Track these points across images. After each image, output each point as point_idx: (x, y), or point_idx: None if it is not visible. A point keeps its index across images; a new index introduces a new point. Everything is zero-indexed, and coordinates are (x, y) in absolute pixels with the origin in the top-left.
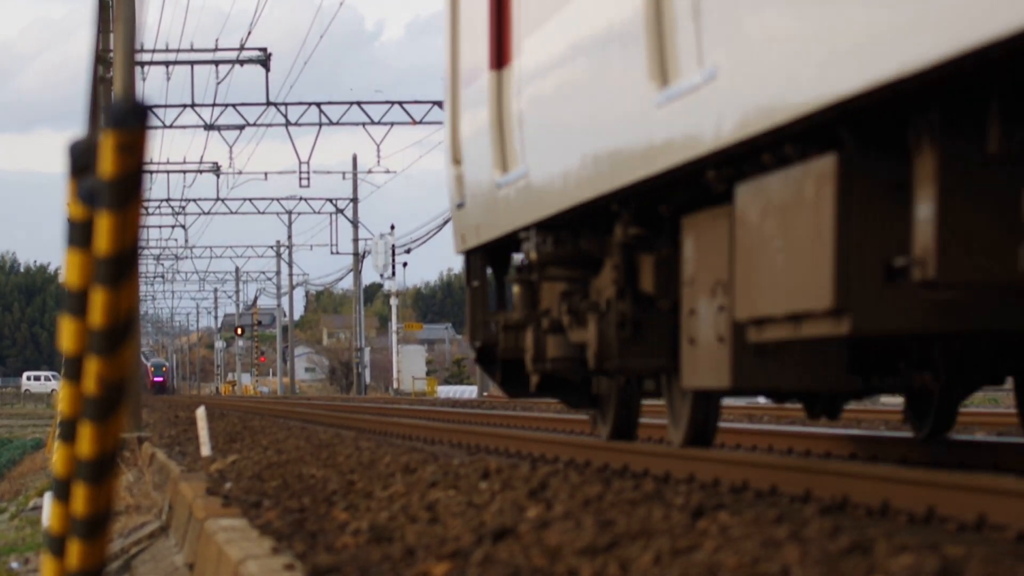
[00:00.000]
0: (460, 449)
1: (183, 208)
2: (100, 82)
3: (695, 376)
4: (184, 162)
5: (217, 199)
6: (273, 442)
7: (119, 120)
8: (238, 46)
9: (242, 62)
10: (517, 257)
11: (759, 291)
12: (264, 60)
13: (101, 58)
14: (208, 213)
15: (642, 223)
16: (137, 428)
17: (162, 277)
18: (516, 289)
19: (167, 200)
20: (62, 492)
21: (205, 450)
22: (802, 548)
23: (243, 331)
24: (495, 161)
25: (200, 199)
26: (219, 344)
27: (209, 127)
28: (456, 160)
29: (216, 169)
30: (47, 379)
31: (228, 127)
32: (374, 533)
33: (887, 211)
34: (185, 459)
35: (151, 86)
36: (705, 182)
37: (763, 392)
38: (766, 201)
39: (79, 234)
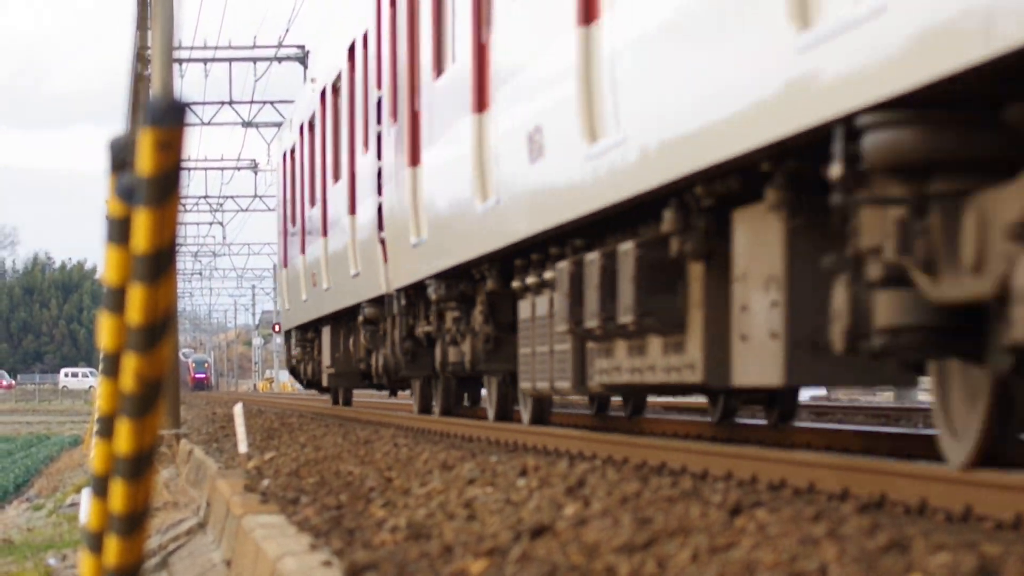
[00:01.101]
0: (498, 446)
1: (221, 205)
2: (139, 79)
3: (745, 374)
4: (222, 159)
5: (255, 196)
6: (311, 439)
7: (157, 117)
8: (276, 43)
9: (280, 59)
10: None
11: None
12: (302, 57)
13: (140, 55)
14: (246, 210)
15: (497, 280)
16: (175, 425)
17: (200, 274)
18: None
19: (205, 197)
20: (100, 489)
21: (243, 447)
22: (840, 546)
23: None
24: (412, 230)
25: (238, 196)
26: (257, 341)
27: (247, 124)
28: (381, 229)
29: (254, 166)
30: (84, 376)
31: (266, 124)
32: (412, 530)
33: None
34: (223, 456)
35: (189, 83)
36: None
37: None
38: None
39: (118, 231)
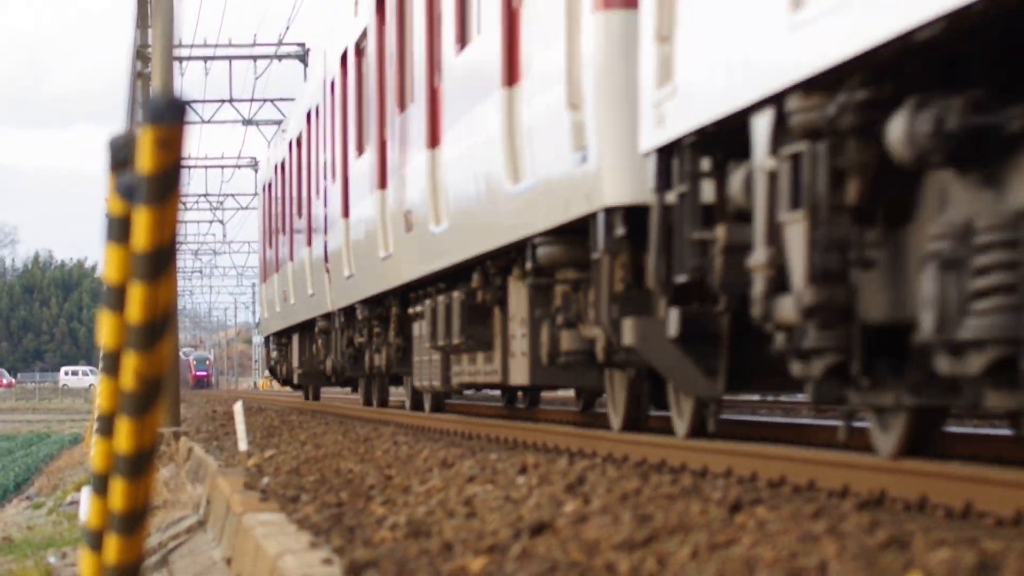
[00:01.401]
0: (498, 444)
1: (221, 203)
2: (139, 77)
3: (515, 378)
4: (222, 157)
5: (255, 194)
6: (311, 437)
7: (157, 115)
8: (276, 41)
9: (280, 57)
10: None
11: None
12: (302, 55)
13: (140, 53)
14: (246, 208)
15: (400, 307)
16: (175, 423)
17: (200, 272)
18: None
19: (205, 195)
20: (100, 487)
21: (243, 445)
22: (840, 542)
23: None
24: (345, 265)
25: (238, 194)
26: (257, 339)
27: (247, 122)
28: (326, 261)
29: (254, 164)
30: (85, 374)
31: (266, 122)
32: (412, 528)
33: None
34: (223, 454)
35: (189, 81)
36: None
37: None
38: None
39: (118, 229)
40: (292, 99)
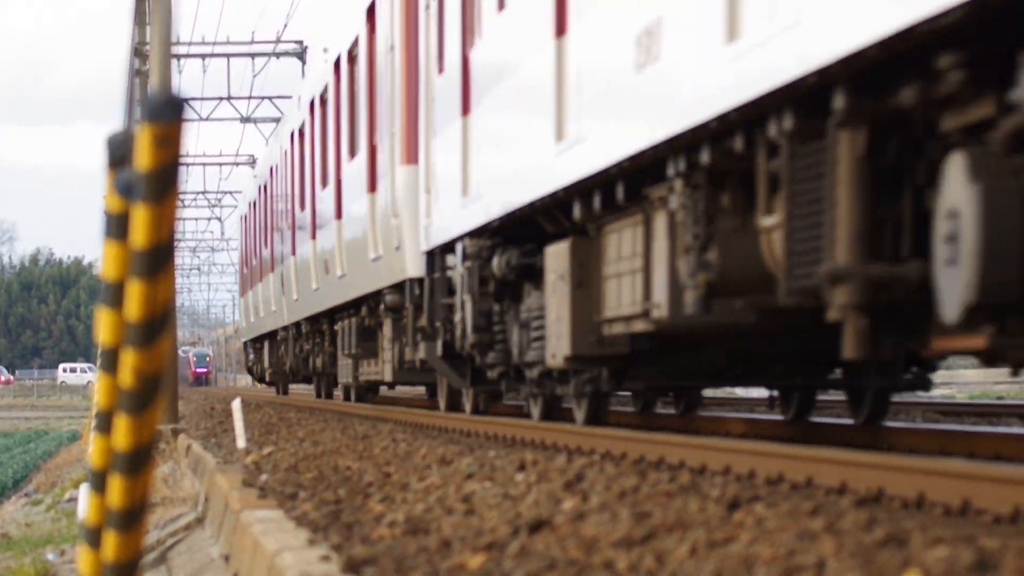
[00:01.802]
0: (496, 441)
1: (219, 200)
2: (137, 75)
3: (386, 377)
4: (220, 155)
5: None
6: (309, 434)
7: (155, 113)
8: (274, 39)
9: (278, 55)
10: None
11: None
12: (300, 53)
13: (138, 51)
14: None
15: (328, 325)
16: (173, 420)
17: (198, 269)
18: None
19: (203, 193)
20: (99, 484)
21: (241, 442)
22: (838, 540)
23: None
24: (294, 291)
25: (236, 191)
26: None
27: (245, 120)
28: (283, 286)
29: (252, 162)
30: (83, 371)
31: (264, 120)
32: (410, 525)
33: None
34: (221, 451)
35: (187, 79)
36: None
37: None
38: None
39: (116, 226)
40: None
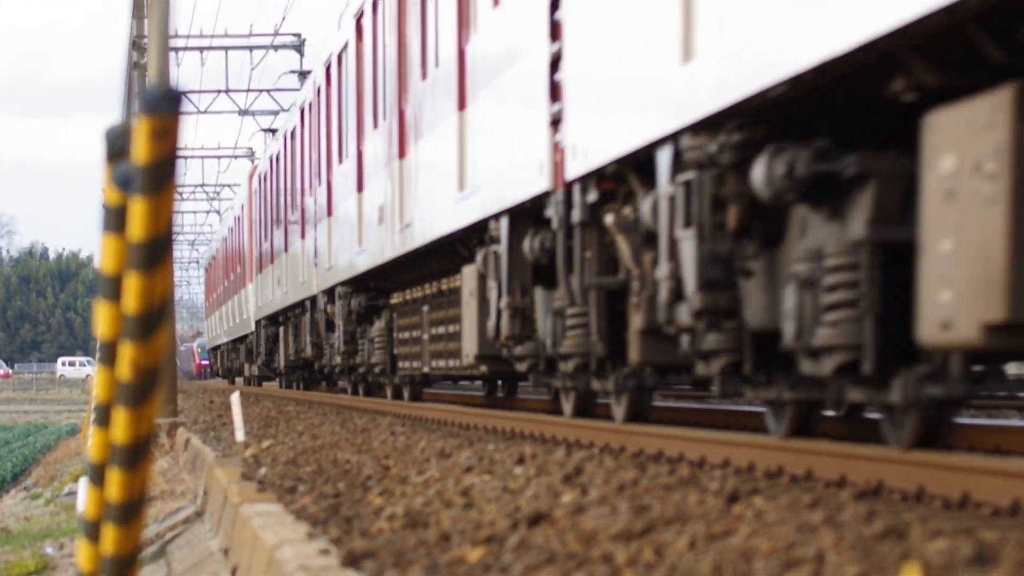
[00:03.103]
0: (495, 434)
1: (217, 194)
2: (135, 68)
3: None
4: (218, 148)
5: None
6: (308, 427)
7: (153, 106)
8: (272, 31)
9: (277, 47)
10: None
11: None
12: (298, 45)
13: (136, 44)
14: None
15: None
16: (172, 414)
17: (196, 263)
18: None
19: (201, 186)
20: (97, 477)
21: (240, 436)
22: (837, 533)
23: None
24: (273, 292)
25: (234, 185)
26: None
27: (243, 112)
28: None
29: (250, 155)
30: (82, 364)
31: (262, 112)
32: (409, 518)
33: None
34: (220, 445)
35: (185, 72)
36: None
37: None
38: None
39: (114, 219)
40: (288, 89)
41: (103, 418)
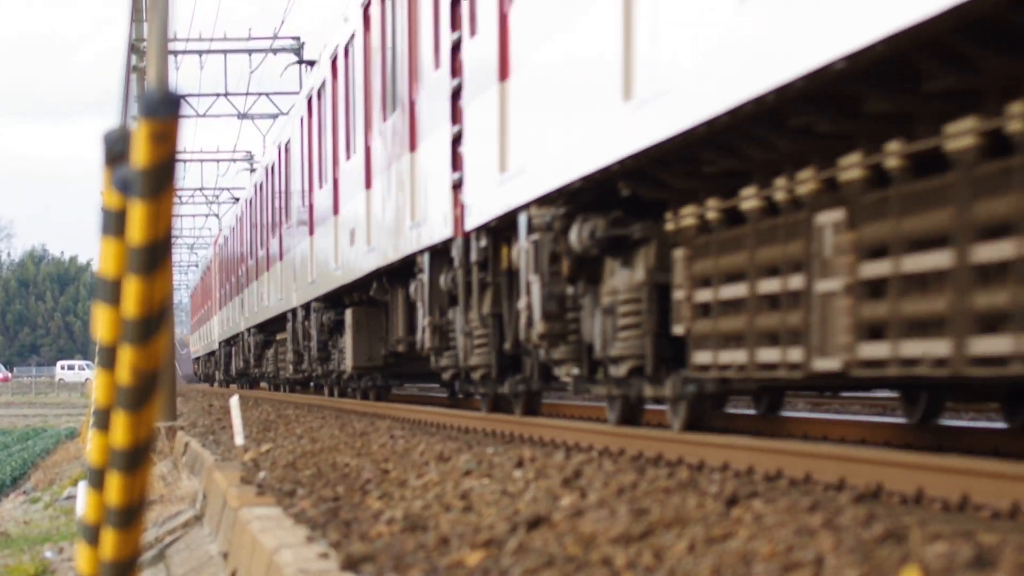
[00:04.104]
0: (494, 438)
1: (216, 197)
2: (134, 72)
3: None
4: (217, 151)
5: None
6: (307, 431)
7: (152, 109)
8: (271, 35)
9: (276, 51)
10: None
11: None
12: (298, 49)
13: (135, 48)
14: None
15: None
16: (171, 417)
17: (196, 266)
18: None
19: (201, 189)
20: (97, 481)
21: (239, 439)
22: (836, 536)
23: None
24: (251, 308)
25: (233, 188)
26: None
27: (242, 116)
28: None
29: (249, 158)
30: (81, 368)
31: (261, 116)
32: (408, 522)
33: None
34: (219, 448)
35: (185, 75)
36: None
37: None
38: None
39: (113, 223)
40: (287, 93)
41: (102, 422)
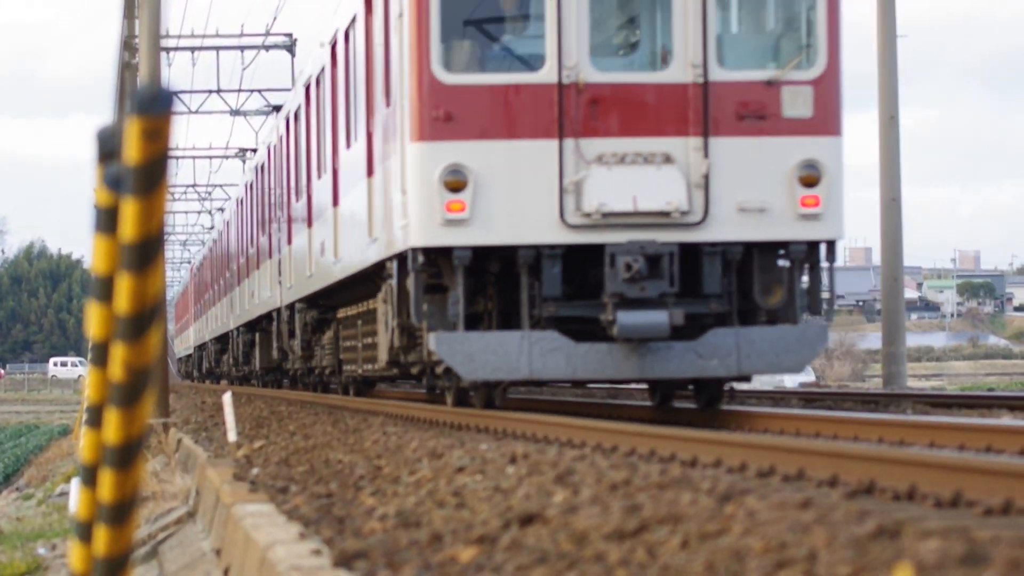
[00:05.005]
0: (487, 434)
1: (209, 194)
2: (126, 68)
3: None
4: (210, 148)
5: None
6: (300, 427)
7: (144, 106)
8: (264, 31)
9: (268, 47)
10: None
11: None
12: (290, 45)
13: (127, 44)
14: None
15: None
16: (164, 414)
17: (188, 263)
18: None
19: (193, 186)
20: (89, 478)
21: (232, 436)
22: (829, 532)
23: None
24: (235, 312)
25: (226, 185)
26: None
27: (235, 112)
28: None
29: (242, 155)
30: (74, 365)
31: (254, 112)
32: (401, 518)
33: None
34: (212, 445)
35: (177, 72)
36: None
37: None
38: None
39: (105, 220)
40: (280, 89)
41: (95, 419)
